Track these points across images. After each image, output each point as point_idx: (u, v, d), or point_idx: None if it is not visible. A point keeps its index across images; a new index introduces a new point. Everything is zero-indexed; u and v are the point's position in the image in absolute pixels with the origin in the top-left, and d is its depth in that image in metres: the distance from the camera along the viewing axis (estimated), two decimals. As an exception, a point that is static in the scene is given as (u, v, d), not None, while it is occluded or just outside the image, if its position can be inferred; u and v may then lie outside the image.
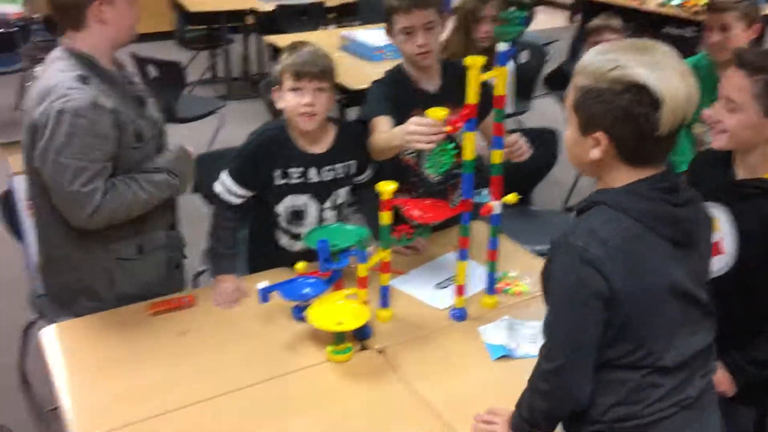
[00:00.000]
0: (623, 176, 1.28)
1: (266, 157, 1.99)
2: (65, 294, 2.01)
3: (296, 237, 2.09)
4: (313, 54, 1.94)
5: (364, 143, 2.05)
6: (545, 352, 1.34)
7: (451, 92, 2.16)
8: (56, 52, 1.87)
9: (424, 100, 2.08)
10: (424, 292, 2.01)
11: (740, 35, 2.59)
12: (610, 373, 1.30)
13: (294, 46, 1.97)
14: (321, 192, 2.06)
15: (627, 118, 1.21)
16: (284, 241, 2.11)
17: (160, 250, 2.04)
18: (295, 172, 2.01)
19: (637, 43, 1.26)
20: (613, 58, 1.22)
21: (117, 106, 1.82)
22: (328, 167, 2.04)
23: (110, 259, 1.95)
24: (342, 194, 2.10)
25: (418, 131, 1.69)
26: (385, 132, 1.96)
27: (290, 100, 1.93)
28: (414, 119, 1.71)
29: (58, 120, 1.73)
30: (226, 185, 2.01)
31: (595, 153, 1.27)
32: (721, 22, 2.61)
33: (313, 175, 2.03)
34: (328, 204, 2.08)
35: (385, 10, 2.12)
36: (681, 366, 1.30)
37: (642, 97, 1.19)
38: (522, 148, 1.95)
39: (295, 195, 2.03)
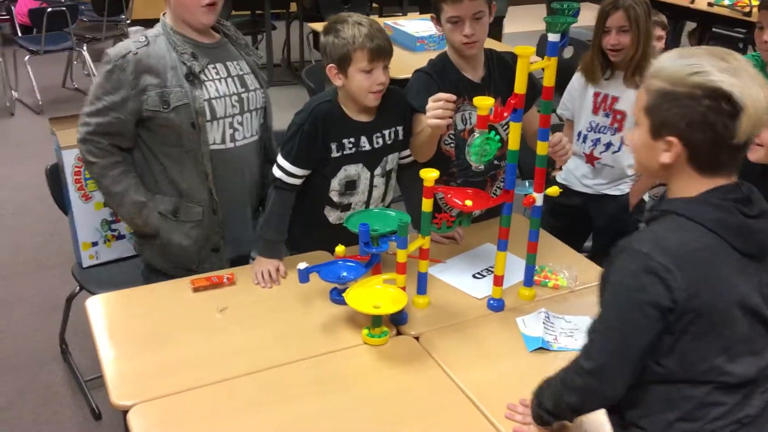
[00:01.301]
0: (693, 185, 1.26)
1: (322, 133, 2.00)
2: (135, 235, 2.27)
3: (346, 208, 2.11)
4: (380, 32, 1.95)
5: (406, 107, 2.09)
6: (586, 350, 1.32)
7: (495, 83, 2.16)
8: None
9: (467, 89, 2.09)
10: (461, 281, 2.01)
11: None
12: (671, 388, 1.27)
13: (356, 23, 1.93)
14: (372, 159, 2.08)
15: (704, 125, 1.19)
16: (334, 216, 2.12)
17: (195, 226, 2.11)
18: (348, 142, 2.03)
19: (714, 50, 1.24)
20: (694, 63, 1.20)
21: (155, 67, 1.98)
22: (377, 134, 2.06)
23: (157, 207, 2.11)
24: (390, 160, 2.13)
25: (437, 105, 1.70)
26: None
27: (362, 79, 1.94)
28: (431, 97, 1.72)
29: (102, 59, 2.04)
30: (285, 169, 2.02)
31: (665, 158, 1.25)
32: (773, 22, 2.56)
33: (364, 142, 2.05)
34: (378, 171, 2.10)
35: (433, 1, 2.11)
36: (744, 383, 1.27)
37: (722, 104, 1.18)
38: (565, 148, 1.93)
39: (348, 165, 2.06)
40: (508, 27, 6.66)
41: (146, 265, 2.25)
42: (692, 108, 1.20)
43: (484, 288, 1.97)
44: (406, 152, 2.17)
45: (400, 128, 2.11)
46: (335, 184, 2.07)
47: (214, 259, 2.17)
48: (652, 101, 1.25)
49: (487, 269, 2.06)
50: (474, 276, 2.04)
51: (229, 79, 2.09)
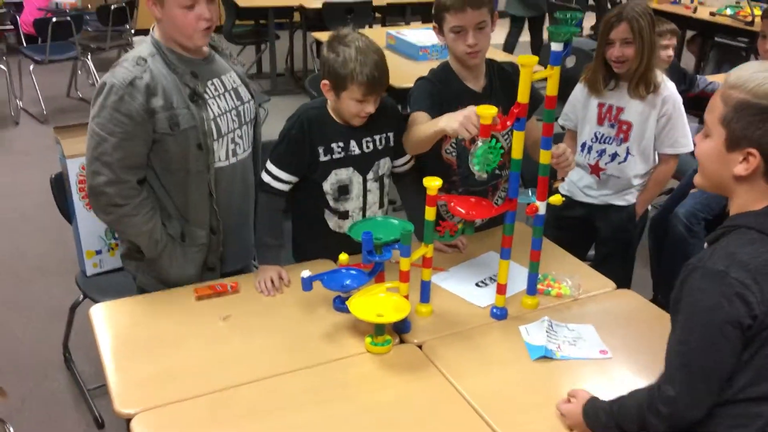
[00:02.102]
0: (762, 197, 1.26)
1: (309, 138, 2.02)
2: (124, 256, 2.17)
3: (344, 216, 2.12)
4: (380, 66, 1.94)
5: (398, 114, 2.12)
6: (669, 376, 1.30)
7: (496, 92, 2.17)
8: (147, 37, 2.01)
9: (468, 98, 2.09)
10: (464, 290, 2.01)
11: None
12: (740, 405, 1.25)
13: (360, 51, 1.92)
14: (363, 164, 2.09)
15: None
16: (333, 223, 2.13)
17: (199, 249, 2.09)
18: (337, 146, 2.05)
19: None
20: None
21: (161, 89, 1.90)
22: (366, 138, 2.08)
23: (164, 231, 2.04)
24: (383, 165, 2.14)
25: (473, 120, 1.70)
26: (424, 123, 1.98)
27: (352, 106, 1.97)
28: (472, 108, 1.72)
29: (100, 90, 1.91)
30: (273, 173, 2.05)
31: (741, 169, 1.25)
32: (776, 30, 2.57)
33: (354, 146, 2.06)
34: (370, 175, 2.11)
35: (435, 8, 2.11)
36: None
37: None
38: (568, 160, 1.94)
39: (339, 169, 2.07)
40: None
41: (140, 289, 2.14)
42: None
43: (487, 296, 1.97)
44: (403, 160, 2.18)
45: (391, 134, 2.12)
46: (327, 187, 2.08)
47: (208, 276, 2.13)
48: (732, 113, 1.24)
49: (490, 278, 2.06)
50: (477, 284, 2.04)
51: (227, 94, 2.06)
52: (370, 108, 1.99)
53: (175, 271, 2.06)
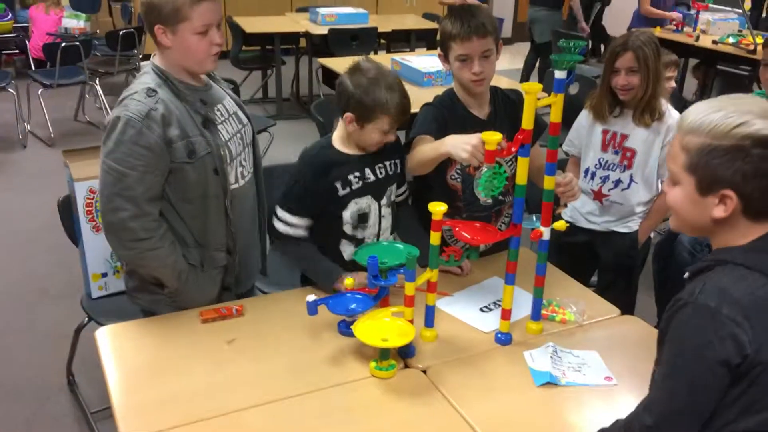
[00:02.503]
0: (745, 233, 1.25)
1: (324, 179, 2.03)
2: (132, 289, 2.11)
3: (360, 243, 2.13)
4: (406, 94, 2.01)
5: (399, 143, 2.14)
6: (650, 405, 1.30)
7: (500, 120, 2.19)
8: (146, 66, 1.99)
9: (473, 125, 2.12)
10: (468, 315, 2.01)
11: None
12: None
13: (389, 87, 1.96)
14: (378, 190, 2.11)
15: (758, 174, 1.20)
16: (348, 252, 2.12)
17: (218, 272, 2.09)
18: (353, 177, 2.06)
19: (736, 97, 1.25)
20: (731, 113, 1.20)
21: (176, 119, 1.90)
22: (379, 164, 2.10)
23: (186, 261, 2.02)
24: (393, 190, 2.17)
25: (481, 150, 1.72)
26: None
27: (376, 137, 2.01)
28: (479, 136, 1.74)
29: (113, 125, 1.87)
30: (289, 222, 2.06)
31: (719, 212, 1.24)
32: (778, 59, 2.60)
33: (369, 174, 2.09)
34: (384, 201, 2.13)
35: (440, 36, 2.15)
36: None
37: None
38: (574, 189, 1.95)
39: (359, 198, 2.09)
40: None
41: (145, 312, 2.12)
42: (743, 160, 1.19)
43: (491, 321, 1.97)
44: (401, 190, 2.21)
45: (398, 161, 2.15)
46: (347, 216, 2.09)
47: (226, 297, 2.14)
48: (696, 159, 1.23)
49: (494, 302, 2.06)
50: (481, 309, 2.04)
51: (231, 119, 2.09)
52: (392, 137, 2.03)
53: (196, 297, 2.05)
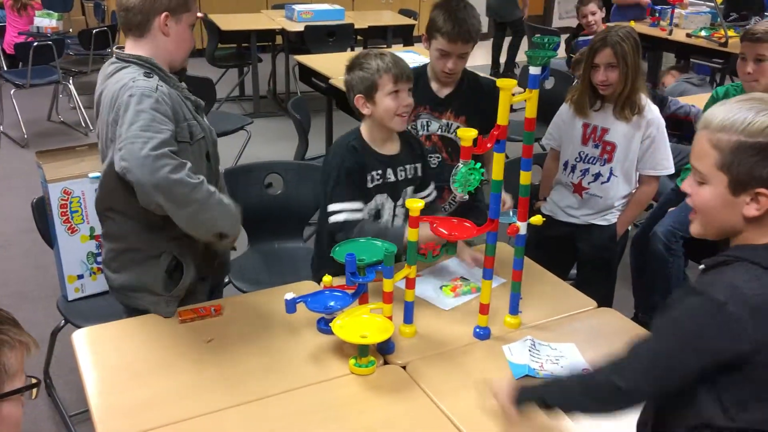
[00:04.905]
0: (765, 232, 1.25)
1: (362, 166, 2.08)
2: (128, 288, 2.02)
3: None
4: (401, 60, 2.07)
5: (423, 149, 2.27)
6: (621, 370, 1.30)
7: (457, 99, 2.41)
8: (112, 66, 1.92)
9: (429, 101, 2.35)
10: (429, 293, 2.08)
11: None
12: None
13: (378, 54, 2.06)
14: (395, 191, 2.16)
15: None
16: None
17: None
18: (376, 174, 2.11)
19: (762, 95, 1.26)
20: (763, 110, 1.21)
21: (173, 102, 1.87)
22: (400, 167, 2.15)
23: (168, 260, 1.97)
24: (409, 192, 2.22)
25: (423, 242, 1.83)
26: None
27: (390, 102, 2.03)
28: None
29: (128, 103, 1.77)
30: (347, 209, 2.06)
31: (751, 210, 1.23)
32: (756, 53, 2.63)
33: (390, 175, 2.14)
34: (399, 202, 2.18)
35: (429, 23, 2.32)
36: None
37: None
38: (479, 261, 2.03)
39: (378, 194, 2.13)
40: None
41: (128, 311, 2.05)
42: None
43: (451, 300, 2.05)
44: (428, 191, 2.25)
45: (419, 165, 2.20)
46: (365, 212, 2.12)
47: (199, 288, 2.10)
48: (731, 156, 1.22)
49: (452, 280, 2.15)
50: (441, 288, 2.11)
51: (200, 109, 2.07)
52: (407, 99, 2.04)
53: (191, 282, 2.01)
